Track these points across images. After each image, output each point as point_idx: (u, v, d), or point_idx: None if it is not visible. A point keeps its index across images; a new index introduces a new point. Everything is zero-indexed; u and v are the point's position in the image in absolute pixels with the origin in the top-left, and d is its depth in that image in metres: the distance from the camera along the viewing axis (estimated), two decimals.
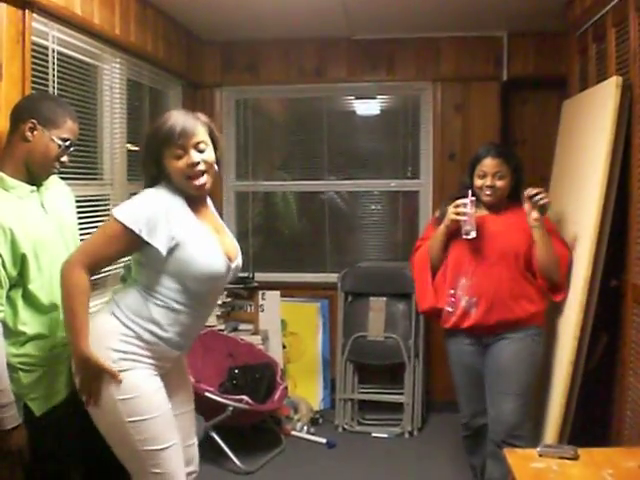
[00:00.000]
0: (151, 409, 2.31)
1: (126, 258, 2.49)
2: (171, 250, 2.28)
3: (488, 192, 3.30)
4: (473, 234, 3.19)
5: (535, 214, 3.20)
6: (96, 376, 2.26)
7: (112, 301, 2.40)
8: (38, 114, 2.37)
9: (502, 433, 3.21)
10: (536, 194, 3.17)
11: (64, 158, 2.46)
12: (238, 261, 2.52)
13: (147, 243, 2.25)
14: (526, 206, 3.23)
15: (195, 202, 2.42)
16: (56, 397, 2.40)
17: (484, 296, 3.25)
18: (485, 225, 3.28)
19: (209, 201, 2.57)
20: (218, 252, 2.39)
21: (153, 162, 2.36)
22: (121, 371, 2.28)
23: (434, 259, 3.41)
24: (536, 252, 3.24)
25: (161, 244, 2.26)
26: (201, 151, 2.34)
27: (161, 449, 2.31)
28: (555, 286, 3.32)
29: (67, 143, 2.44)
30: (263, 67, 5.22)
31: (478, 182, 3.32)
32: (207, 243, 2.37)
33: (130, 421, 2.28)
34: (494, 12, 4.43)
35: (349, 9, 4.34)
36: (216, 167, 2.41)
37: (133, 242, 2.27)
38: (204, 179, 2.35)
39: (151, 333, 2.33)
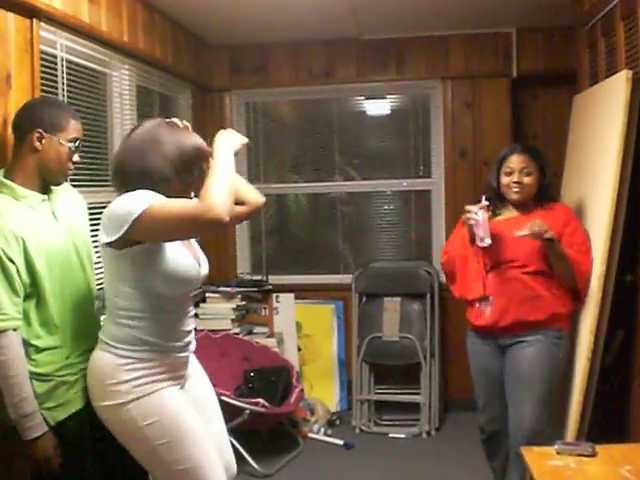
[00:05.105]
0: (177, 428, 2.29)
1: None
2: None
3: (516, 189, 3.21)
4: (488, 241, 3.04)
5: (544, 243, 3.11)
6: None
7: (99, 340, 2.35)
8: (42, 122, 2.36)
9: (522, 440, 3.04)
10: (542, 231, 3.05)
11: (76, 157, 2.46)
12: (205, 268, 2.47)
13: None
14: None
15: None
16: (71, 407, 2.39)
17: (500, 297, 3.19)
18: (512, 226, 3.17)
19: None
20: (191, 257, 2.37)
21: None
22: (138, 398, 2.26)
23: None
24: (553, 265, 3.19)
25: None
26: None
27: (196, 466, 2.29)
28: (576, 292, 3.27)
29: (76, 143, 2.44)
30: (272, 70, 5.23)
31: (505, 180, 3.23)
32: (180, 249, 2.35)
33: (160, 444, 2.27)
34: (502, 8, 4.42)
35: (357, 10, 4.33)
36: None
37: None
38: None
39: (150, 352, 2.30)
